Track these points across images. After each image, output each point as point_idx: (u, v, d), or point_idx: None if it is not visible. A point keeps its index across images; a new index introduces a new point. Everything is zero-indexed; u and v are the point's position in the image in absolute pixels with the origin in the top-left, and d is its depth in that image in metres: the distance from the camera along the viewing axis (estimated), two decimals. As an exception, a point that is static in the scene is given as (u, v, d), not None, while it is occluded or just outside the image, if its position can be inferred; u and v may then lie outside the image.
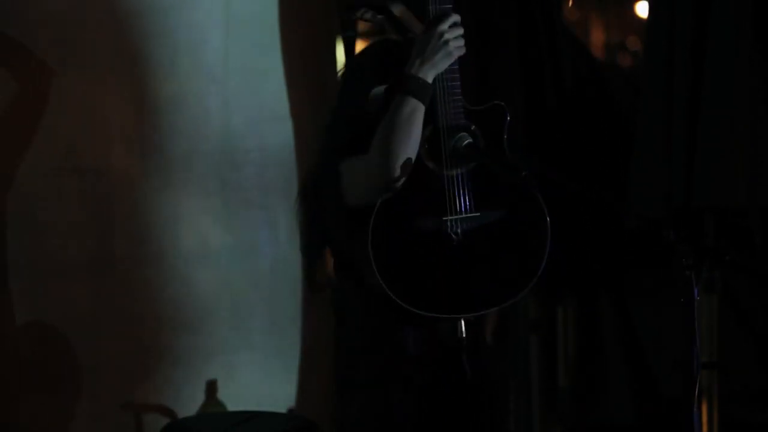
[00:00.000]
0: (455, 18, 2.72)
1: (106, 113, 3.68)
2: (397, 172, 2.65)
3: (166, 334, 3.80)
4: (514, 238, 2.78)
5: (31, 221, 3.54)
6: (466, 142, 2.65)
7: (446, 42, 2.69)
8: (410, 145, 2.66)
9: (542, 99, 4.12)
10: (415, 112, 2.66)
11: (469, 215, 2.73)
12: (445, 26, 2.70)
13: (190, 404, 3.77)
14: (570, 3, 4.40)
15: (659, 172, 3.84)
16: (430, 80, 2.68)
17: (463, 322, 2.78)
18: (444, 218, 2.71)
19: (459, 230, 2.72)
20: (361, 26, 3.95)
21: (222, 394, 3.81)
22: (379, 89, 2.74)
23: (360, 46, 3.61)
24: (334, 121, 2.83)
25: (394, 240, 2.68)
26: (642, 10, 5.12)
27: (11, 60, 3.52)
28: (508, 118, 2.77)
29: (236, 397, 3.81)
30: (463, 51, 2.73)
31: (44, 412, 3.57)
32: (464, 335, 2.78)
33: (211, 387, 3.79)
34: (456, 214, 2.72)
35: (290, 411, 4.01)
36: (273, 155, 3.99)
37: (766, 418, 4.12)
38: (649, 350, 4.29)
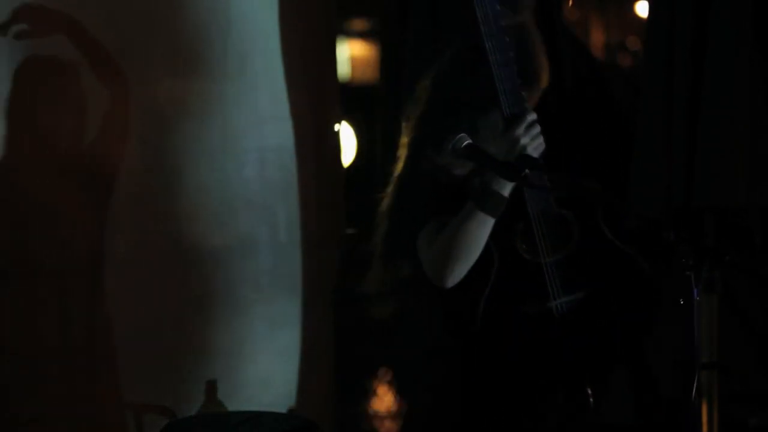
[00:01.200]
0: (531, 117, 2.62)
1: (106, 113, 3.67)
2: (450, 280, 2.62)
3: (166, 334, 3.79)
4: (619, 303, 2.79)
5: (31, 221, 3.54)
6: (465, 143, 2.64)
7: (524, 148, 2.60)
8: (471, 255, 2.62)
9: (542, 99, 4.11)
10: (483, 226, 2.61)
11: (573, 297, 2.73)
12: (521, 130, 2.60)
13: (190, 404, 3.76)
14: (570, 3, 4.40)
15: (659, 172, 3.83)
16: (507, 193, 2.60)
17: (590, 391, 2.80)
18: (549, 304, 2.71)
19: (565, 310, 2.72)
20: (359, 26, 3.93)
21: (222, 394, 3.81)
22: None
23: (360, 43, 3.60)
24: (408, 179, 2.79)
25: (502, 330, 2.68)
26: (642, 10, 5.12)
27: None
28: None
29: (236, 397, 3.81)
30: (543, 148, 2.64)
31: (44, 412, 3.56)
32: (593, 403, 2.80)
33: (211, 387, 3.78)
34: (560, 298, 2.72)
35: (290, 411, 4.00)
36: (273, 155, 3.99)
37: (766, 418, 4.11)
38: (649, 350, 4.28)
